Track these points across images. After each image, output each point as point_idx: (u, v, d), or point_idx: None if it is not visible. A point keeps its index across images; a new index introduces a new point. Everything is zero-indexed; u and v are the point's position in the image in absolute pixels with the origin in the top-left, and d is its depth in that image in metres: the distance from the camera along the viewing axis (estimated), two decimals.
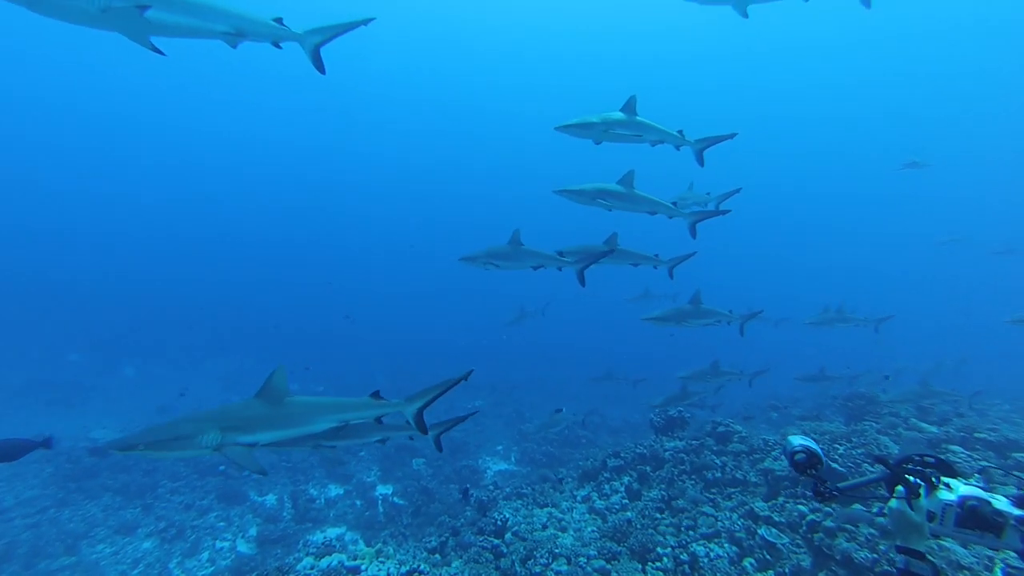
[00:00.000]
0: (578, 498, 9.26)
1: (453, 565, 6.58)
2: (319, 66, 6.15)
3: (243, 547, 10.86)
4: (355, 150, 68.50)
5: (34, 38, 49.08)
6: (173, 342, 29.81)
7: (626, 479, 9.32)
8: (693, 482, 8.56)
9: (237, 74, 57.03)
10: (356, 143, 68.59)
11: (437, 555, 7.51)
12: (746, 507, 7.25)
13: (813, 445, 2.55)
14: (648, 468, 9.30)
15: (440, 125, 67.43)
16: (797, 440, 2.59)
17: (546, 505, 8.85)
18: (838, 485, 2.47)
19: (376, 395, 5.06)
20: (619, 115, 7.71)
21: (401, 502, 12.47)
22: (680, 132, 8.29)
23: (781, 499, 7.13)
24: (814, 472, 2.51)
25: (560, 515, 8.36)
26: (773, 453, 8.29)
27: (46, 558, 9.73)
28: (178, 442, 3.91)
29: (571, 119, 7.58)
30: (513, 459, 15.47)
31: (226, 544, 10.88)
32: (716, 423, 9.83)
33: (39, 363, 24.25)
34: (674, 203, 8.83)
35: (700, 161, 8.67)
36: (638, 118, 7.78)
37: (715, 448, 9.21)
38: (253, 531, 11.32)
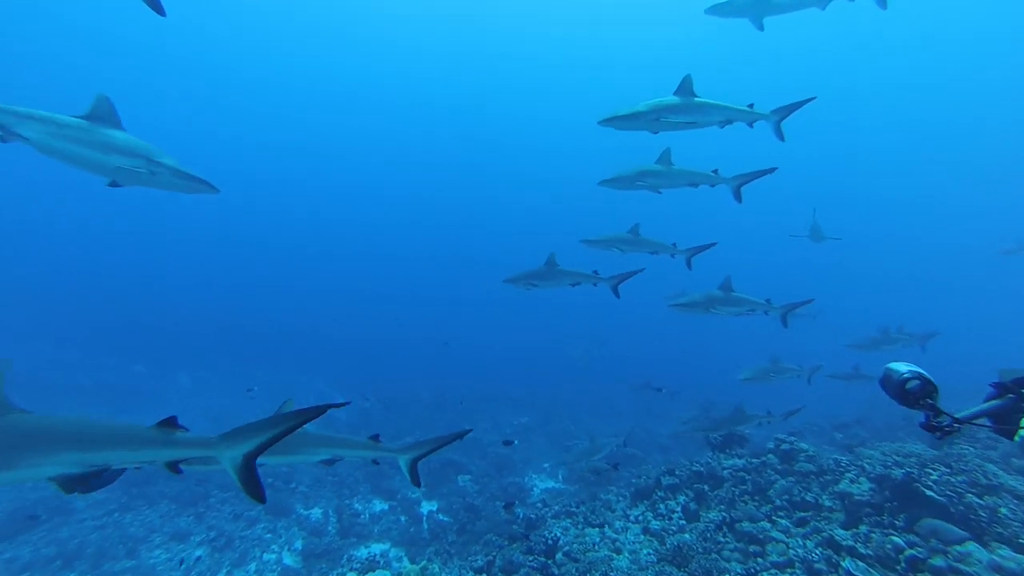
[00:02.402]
0: (631, 518, 8.77)
1: None
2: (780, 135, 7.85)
3: (289, 560, 10.79)
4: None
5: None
6: (224, 353, 30.78)
7: (682, 498, 8.77)
8: (756, 504, 7.95)
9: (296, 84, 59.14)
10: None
11: (484, 575, 7.18)
12: (823, 534, 6.60)
13: (924, 371, 2.12)
14: (706, 487, 8.73)
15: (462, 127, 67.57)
16: (904, 367, 2.17)
17: (598, 525, 8.41)
18: (956, 416, 2.04)
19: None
20: (672, 99, 7.18)
21: (446, 519, 12.21)
22: (751, 106, 7.70)
23: (865, 528, 6.44)
24: (929, 402, 2.08)
25: (614, 535, 7.90)
26: (848, 475, 7.57)
27: (110, 560, 9.99)
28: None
29: (616, 111, 7.17)
30: (560, 477, 14.99)
31: (272, 556, 10.85)
32: (779, 440, 9.16)
33: (107, 369, 25.48)
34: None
35: (779, 135, 8.00)
36: (697, 99, 7.22)
37: (779, 467, 8.56)
38: (299, 544, 11.25)
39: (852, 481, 7.27)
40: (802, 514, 7.34)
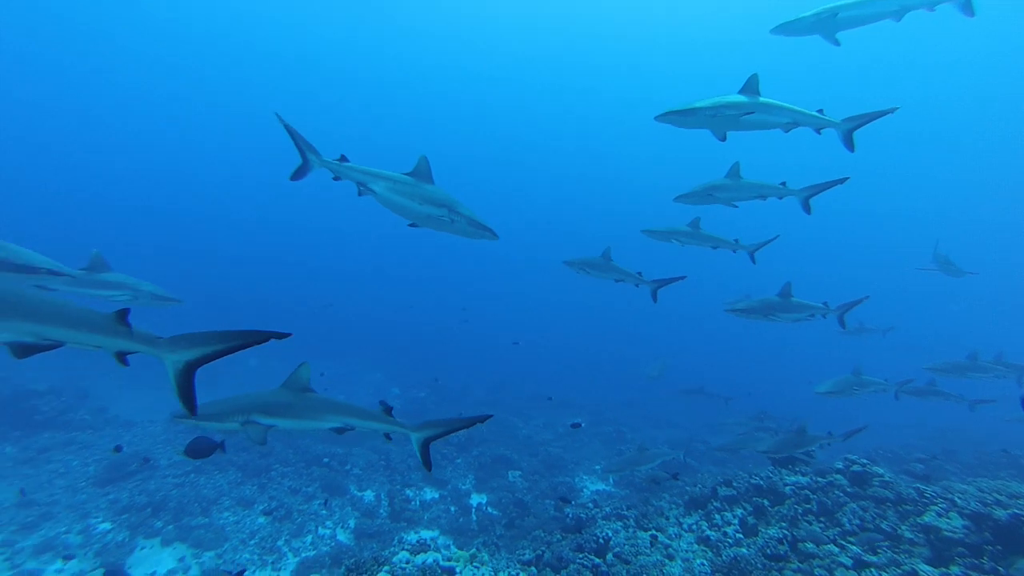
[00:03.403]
0: (685, 526, 8.49)
1: None
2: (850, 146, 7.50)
3: (342, 536, 11.16)
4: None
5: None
6: (290, 341, 32.09)
7: (739, 511, 8.41)
8: (822, 525, 7.50)
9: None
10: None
11: (533, 568, 7.16)
12: (903, 568, 6.10)
13: None
14: (766, 502, 8.33)
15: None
16: None
17: (650, 529, 8.19)
18: None
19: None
20: (734, 97, 6.84)
21: (495, 512, 12.28)
22: (820, 112, 7.31)
23: (958, 569, 5.85)
24: None
25: (667, 541, 7.67)
26: (934, 508, 6.93)
27: (188, 515, 10.78)
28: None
29: (673, 106, 6.87)
30: (612, 480, 14.74)
31: (327, 532, 11.24)
32: (850, 461, 8.61)
33: None
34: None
35: (849, 145, 7.62)
36: (763, 99, 6.89)
37: (849, 490, 8.04)
38: (352, 523, 11.62)
39: (940, 515, 6.69)
40: (877, 543, 6.85)
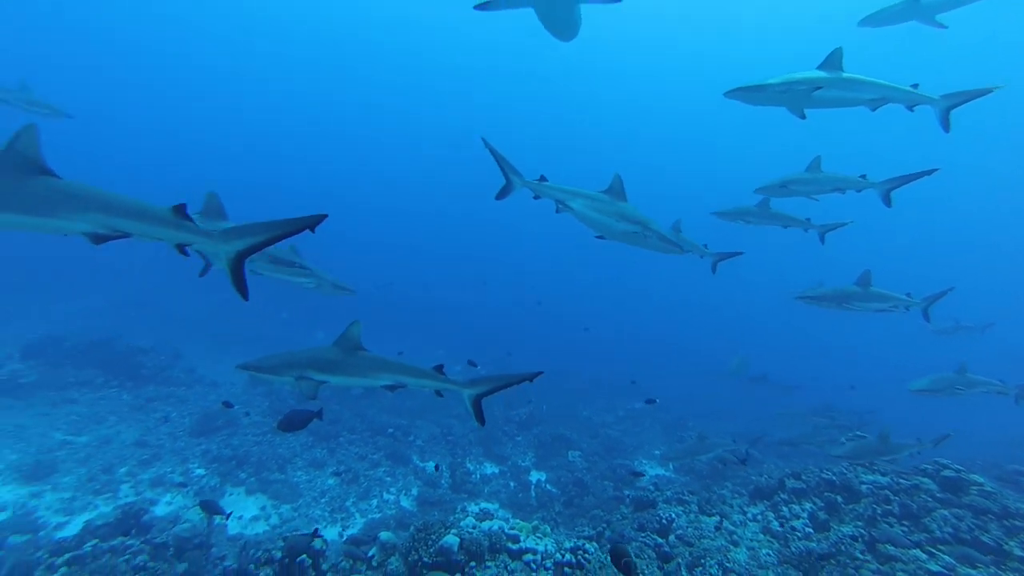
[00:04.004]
0: (749, 515, 8.28)
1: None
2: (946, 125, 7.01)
3: (405, 503, 11.65)
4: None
5: None
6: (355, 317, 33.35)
7: (808, 505, 8.08)
8: (906, 529, 7.09)
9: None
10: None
11: (594, 543, 7.21)
12: None
13: None
14: (839, 498, 7.96)
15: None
16: None
17: (713, 515, 8.04)
18: None
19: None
20: (811, 73, 6.43)
21: (554, 490, 12.42)
22: (915, 87, 6.77)
23: None
24: None
25: (731, 527, 7.52)
26: None
27: (266, 470, 11.56)
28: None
29: (743, 83, 6.56)
30: (671, 466, 14.55)
31: (391, 497, 11.76)
32: (940, 465, 8.04)
33: (258, 315, 28.99)
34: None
35: (945, 125, 7.03)
36: (844, 74, 6.42)
37: (939, 495, 7.52)
38: (415, 491, 12.09)
39: None
40: (976, 558, 6.38)
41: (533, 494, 12.29)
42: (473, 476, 12.93)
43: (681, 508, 8.73)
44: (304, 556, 5.92)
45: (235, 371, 5.24)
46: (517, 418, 16.33)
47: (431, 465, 13.34)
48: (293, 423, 6.32)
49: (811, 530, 7.51)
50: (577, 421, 17.52)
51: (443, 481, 12.65)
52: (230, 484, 11.00)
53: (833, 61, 6.52)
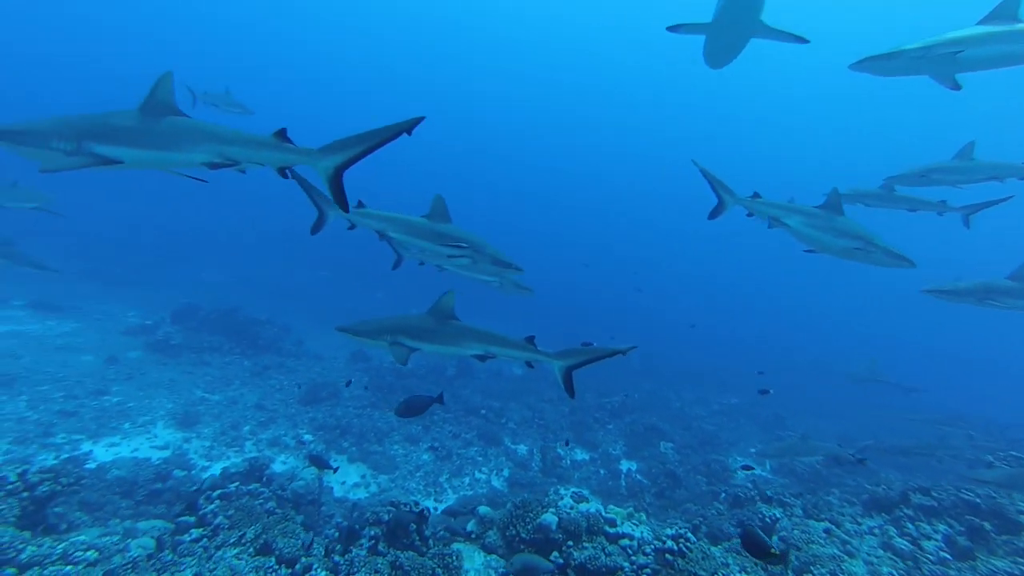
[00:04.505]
0: (864, 527, 7.70)
1: (713, 550, 6.04)
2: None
3: (496, 483, 11.95)
4: None
5: None
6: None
7: (943, 527, 7.35)
8: None
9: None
10: None
11: (691, 535, 7.04)
12: None
13: None
14: (987, 525, 7.11)
15: None
16: None
17: (822, 520, 7.57)
18: None
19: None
20: (968, 30, 5.49)
21: (644, 481, 12.24)
22: None
23: None
24: None
25: (845, 536, 7.04)
26: None
27: (366, 441, 12.31)
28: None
29: (874, 52, 5.88)
30: (768, 466, 13.84)
31: (483, 476, 12.10)
32: None
33: (355, 292, 30.78)
34: None
35: None
36: (1020, 26, 5.33)
37: None
38: (506, 472, 12.36)
39: None
40: None
41: (623, 483, 12.19)
42: (564, 461, 13.02)
43: (782, 510, 8.30)
44: (410, 522, 6.28)
45: (338, 347, 5.61)
46: (609, 406, 16.22)
47: (523, 447, 13.59)
48: (412, 408, 6.51)
49: (948, 555, 6.84)
50: (669, 412, 17.12)
51: (534, 464, 12.85)
52: (334, 451, 11.82)
53: (1007, 10, 5.43)
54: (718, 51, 6.88)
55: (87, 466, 8.65)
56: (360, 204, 6.28)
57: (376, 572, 5.25)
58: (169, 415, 11.70)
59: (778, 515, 7.69)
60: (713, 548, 6.05)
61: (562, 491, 11.06)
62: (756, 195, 6.74)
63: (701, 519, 8.10)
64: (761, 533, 4.28)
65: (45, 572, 3.73)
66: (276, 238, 39.61)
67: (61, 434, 10.24)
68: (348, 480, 10.90)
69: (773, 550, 3.94)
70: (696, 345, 27.94)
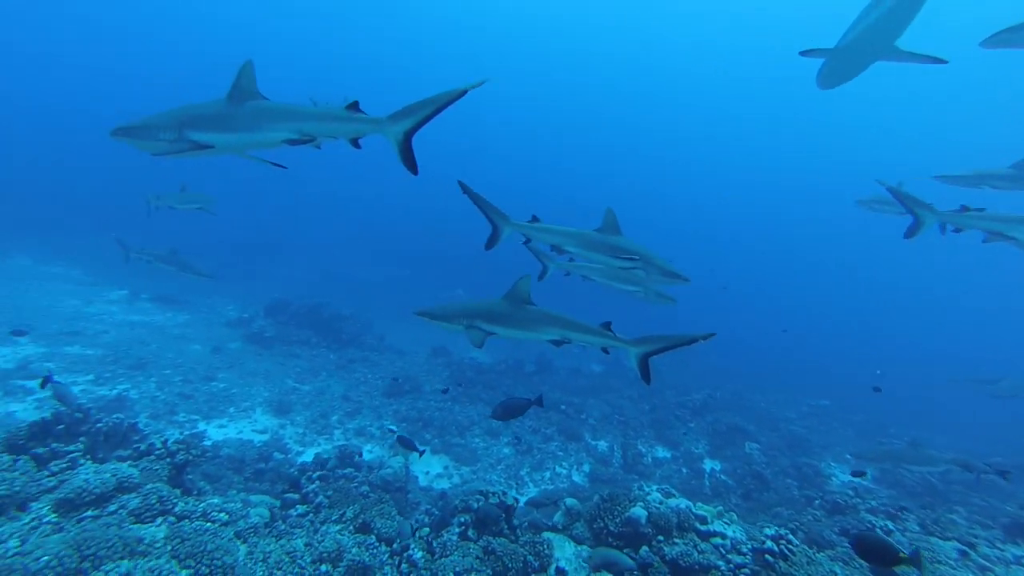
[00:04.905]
0: (1008, 555, 6.95)
1: (819, 556, 5.69)
2: None
3: (577, 478, 11.89)
4: None
5: None
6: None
7: None
8: None
9: None
10: None
11: (793, 537, 6.68)
12: None
13: None
14: None
15: None
16: None
17: (950, 539, 6.93)
18: None
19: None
20: None
21: (729, 481, 11.79)
22: None
23: None
24: None
25: (984, 563, 6.39)
26: None
27: (447, 434, 12.60)
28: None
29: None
30: (869, 475, 12.91)
31: (563, 471, 12.08)
32: None
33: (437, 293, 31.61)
34: None
35: None
36: None
37: None
38: (587, 468, 12.27)
39: None
40: None
41: (707, 483, 11.79)
42: (645, 458, 12.78)
43: (891, 522, 7.69)
44: (499, 511, 6.36)
45: (419, 342, 5.72)
46: (691, 404, 15.76)
47: (603, 444, 13.45)
48: (509, 410, 6.48)
49: None
50: (754, 412, 16.37)
51: (615, 460, 12.70)
52: (417, 442, 12.18)
53: None
54: (838, 73, 6.61)
55: (204, 443, 9.46)
56: (534, 219, 6.50)
57: (469, 555, 5.37)
58: (266, 402, 12.52)
59: (890, 527, 7.13)
60: (818, 555, 5.69)
61: (647, 487, 10.93)
62: (964, 208, 6.26)
63: (797, 524, 7.67)
64: (883, 536, 3.95)
65: (193, 524, 4.17)
66: (358, 237, 41.52)
67: (182, 413, 11.28)
68: (431, 471, 11.20)
69: (902, 553, 3.59)
70: (782, 345, 26.54)
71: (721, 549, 5.92)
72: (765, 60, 51.48)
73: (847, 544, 6.30)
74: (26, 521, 3.98)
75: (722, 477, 12.05)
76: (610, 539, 6.26)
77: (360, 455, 8.90)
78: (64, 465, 4.98)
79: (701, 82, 64.08)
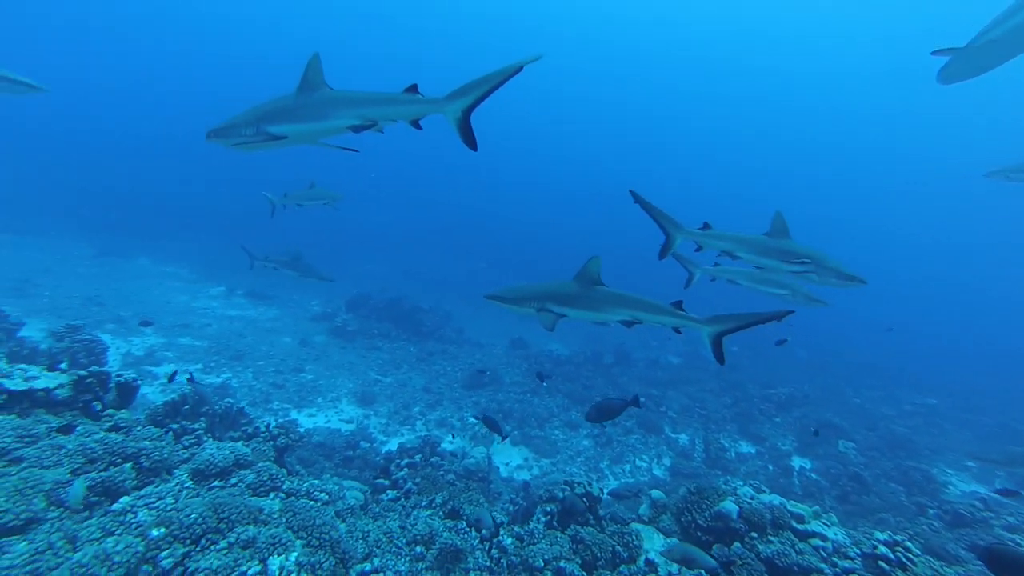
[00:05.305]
0: None
1: (947, 571, 5.20)
2: None
3: (658, 471, 11.64)
4: None
5: None
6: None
7: None
8: None
9: None
10: None
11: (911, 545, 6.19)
12: None
13: None
14: None
15: None
16: None
17: None
18: None
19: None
20: None
21: (822, 481, 11.12)
22: None
23: None
24: None
25: None
26: None
27: (528, 426, 12.74)
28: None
29: None
30: (998, 483, 11.72)
31: (644, 464, 11.86)
32: None
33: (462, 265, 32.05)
34: None
35: None
36: None
37: None
38: (667, 461, 11.99)
39: None
40: None
41: (796, 481, 11.17)
42: (728, 453, 12.30)
43: None
44: (583, 501, 6.32)
45: (496, 334, 5.73)
46: (775, 397, 14.99)
47: (684, 437, 13.12)
48: (605, 412, 6.31)
49: None
50: (847, 409, 15.36)
51: (696, 454, 12.32)
52: (497, 434, 12.36)
53: None
54: (967, 69, 6.18)
55: (298, 430, 10.06)
56: (706, 225, 6.52)
57: (557, 543, 5.37)
58: (351, 393, 13.10)
59: None
60: (946, 569, 5.21)
61: (736, 482, 10.52)
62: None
63: (910, 533, 7.09)
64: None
65: (298, 502, 4.46)
66: (435, 232, 42.65)
67: (276, 402, 12.04)
68: (511, 462, 11.33)
69: None
70: (877, 340, 24.68)
71: (822, 551, 5.58)
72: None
73: (979, 561, 5.76)
74: (173, 484, 4.50)
75: (813, 476, 11.39)
76: (699, 533, 6.06)
77: (441, 445, 9.17)
78: (192, 440, 5.53)
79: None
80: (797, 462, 12.18)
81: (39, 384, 4.96)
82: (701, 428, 13.42)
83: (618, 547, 5.46)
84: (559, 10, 62.89)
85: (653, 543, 5.84)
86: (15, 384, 4.84)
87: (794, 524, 5.99)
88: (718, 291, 7.87)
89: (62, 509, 3.85)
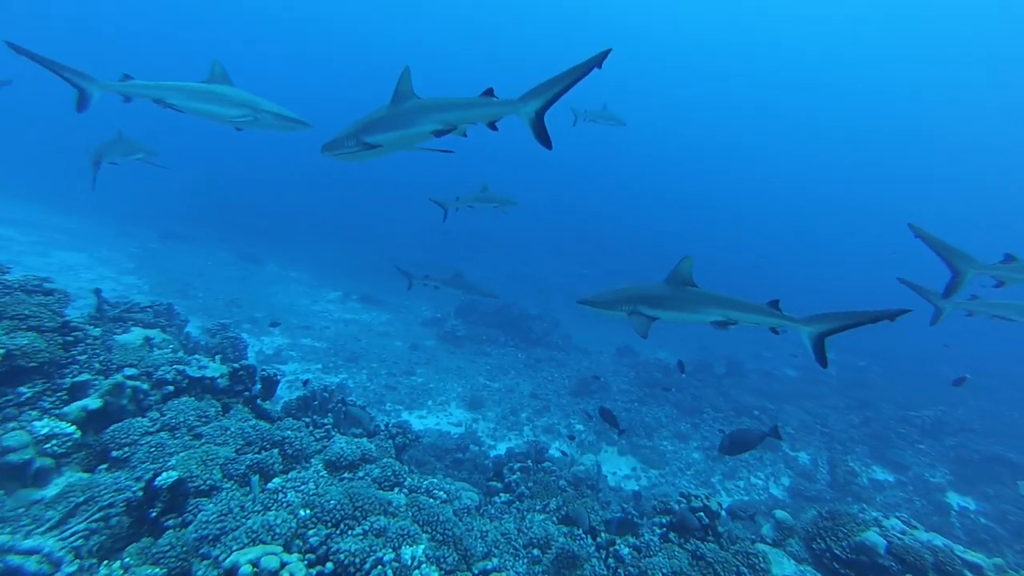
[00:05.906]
0: None
1: None
2: None
3: (775, 491, 10.87)
4: None
5: None
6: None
7: None
8: None
9: None
10: None
11: None
12: None
13: None
14: None
15: None
16: None
17: None
18: None
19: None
20: None
21: (995, 527, 9.67)
22: None
23: None
24: None
25: None
26: None
27: (635, 436, 12.44)
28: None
29: None
30: None
31: (759, 482, 11.12)
32: None
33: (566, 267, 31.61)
34: None
35: None
36: None
37: None
38: (786, 481, 11.17)
39: None
40: None
41: (956, 523, 9.82)
42: (859, 478, 11.17)
43: None
44: (702, 514, 6.01)
45: (604, 341, 5.58)
46: (918, 421, 13.35)
47: (804, 456, 12.17)
48: (739, 444, 5.98)
49: None
50: (1021, 440, 13.23)
51: (820, 476, 11.33)
52: (605, 442, 12.13)
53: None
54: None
55: (413, 431, 10.56)
56: (1011, 257, 6.07)
57: (675, 558, 5.15)
58: (459, 397, 13.49)
59: None
60: None
61: (873, 512, 9.50)
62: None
63: None
64: None
65: (420, 498, 4.71)
66: (543, 238, 43.07)
67: (388, 403, 12.71)
68: (619, 471, 11.11)
69: None
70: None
71: None
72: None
73: None
74: (311, 471, 4.94)
75: (981, 520, 9.95)
76: (836, 564, 5.53)
77: (549, 451, 9.16)
78: (322, 434, 5.99)
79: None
80: (955, 499, 10.75)
81: (208, 373, 5.67)
82: (824, 448, 12.34)
83: (743, 568, 5.12)
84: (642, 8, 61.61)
85: (783, 568, 5.41)
86: (193, 372, 5.59)
87: (967, 573, 5.25)
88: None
89: (232, 481, 4.42)
